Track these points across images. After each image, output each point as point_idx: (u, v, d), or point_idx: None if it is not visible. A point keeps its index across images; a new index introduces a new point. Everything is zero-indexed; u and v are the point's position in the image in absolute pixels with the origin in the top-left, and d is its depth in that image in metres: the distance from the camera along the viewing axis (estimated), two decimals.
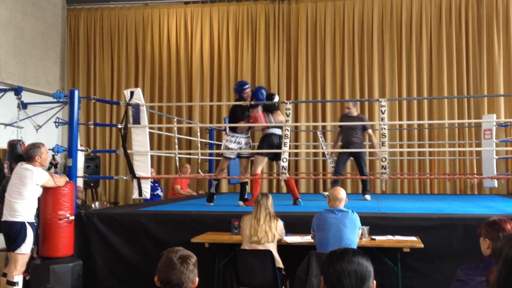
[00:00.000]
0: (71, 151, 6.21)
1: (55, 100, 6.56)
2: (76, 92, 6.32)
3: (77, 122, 6.30)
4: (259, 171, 7.37)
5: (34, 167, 5.45)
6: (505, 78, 10.64)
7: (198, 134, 8.44)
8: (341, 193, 4.99)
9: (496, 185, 8.93)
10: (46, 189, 5.63)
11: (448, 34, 10.94)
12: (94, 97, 7.11)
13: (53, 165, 7.46)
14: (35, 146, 5.60)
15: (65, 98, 6.34)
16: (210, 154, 10.78)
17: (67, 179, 5.93)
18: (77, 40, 12.30)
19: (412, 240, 5.18)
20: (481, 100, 10.65)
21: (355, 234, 4.79)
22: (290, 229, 5.53)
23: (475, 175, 9.99)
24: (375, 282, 2.02)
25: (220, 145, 10.71)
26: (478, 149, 9.31)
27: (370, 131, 8.31)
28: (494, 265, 1.79)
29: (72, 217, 5.89)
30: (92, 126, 8.60)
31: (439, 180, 10.64)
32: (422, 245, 5.02)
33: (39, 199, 5.62)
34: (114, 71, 12.16)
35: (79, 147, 6.58)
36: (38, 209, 5.69)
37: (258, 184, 7.36)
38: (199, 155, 8.15)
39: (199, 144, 8.26)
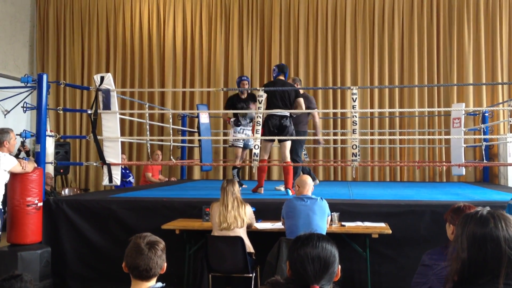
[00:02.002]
0: (39, 137, 6.11)
1: (23, 84, 6.42)
2: (45, 77, 6.22)
3: (46, 107, 6.20)
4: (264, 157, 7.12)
5: (1, 152, 5.37)
6: (474, 67, 10.81)
7: (171, 120, 8.40)
8: (307, 180, 5.03)
9: (463, 172, 9.11)
10: (13, 175, 5.54)
11: (419, 24, 11.05)
12: (63, 81, 7.01)
13: (20, 151, 7.31)
14: (4, 131, 5.52)
15: (33, 83, 6.21)
16: (183, 141, 10.73)
17: (35, 165, 5.85)
18: (46, 24, 12.05)
19: (380, 226, 5.27)
20: (451, 89, 10.82)
21: (324, 221, 4.84)
22: (260, 215, 5.56)
23: (444, 163, 10.17)
24: (340, 266, 2.04)
25: (194, 132, 10.74)
26: (447, 137, 9.46)
27: None
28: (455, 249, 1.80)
29: (41, 204, 5.81)
30: (62, 112, 8.49)
31: (409, 168, 10.80)
32: (390, 231, 5.11)
33: (6, 185, 5.52)
34: (84, 56, 11.97)
35: (48, 132, 6.48)
36: (5, 195, 5.60)
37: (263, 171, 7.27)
38: (171, 141, 8.12)
39: (171, 131, 8.23)
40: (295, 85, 7.38)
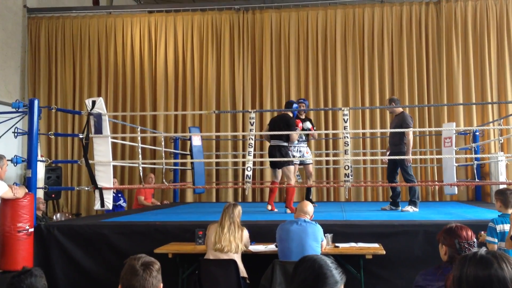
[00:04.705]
0: (30, 162, 6.08)
1: (14, 110, 6.42)
2: (36, 102, 6.21)
3: (37, 132, 6.19)
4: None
5: None
6: (464, 87, 10.91)
7: (163, 143, 8.39)
8: (308, 207, 5.05)
9: (456, 192, 9.13)
10: (4, 201, 5.50)
11: (408, 44, 11.17)
12: (55, 106, 7.00)
13: None
14: None
15: (24, 108, 6.21)
16: (175, 164, 10.72)
17: (26, 190, 5.80)
18: (38, 49, 12.08)
19: (374, 247, 5.25)
20: (441, 109, 10.89)
21: (318, 244, 4.82)
22: (254, 238, 5.52)
23: (436, 182, 10.19)
24: None
25: (186, 154, 10.73)
26: (438, 156, 9.50)
27: None
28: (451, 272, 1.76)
29: (32, 229, 5.76)
30: (53, 136, 8.47)
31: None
32: (384, 252, 5.09)
33: None
34: (76, 80, 11.97)
35: (39, 157, 6.45)
36: None
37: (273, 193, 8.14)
38: (164, 164, 8.12)
39: (163, 154, 8.22)
40: (392, 105, 7.77)
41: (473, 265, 1.64)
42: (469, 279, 1.62)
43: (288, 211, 7.60)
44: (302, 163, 8.46)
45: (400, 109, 7.74)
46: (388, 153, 8.04)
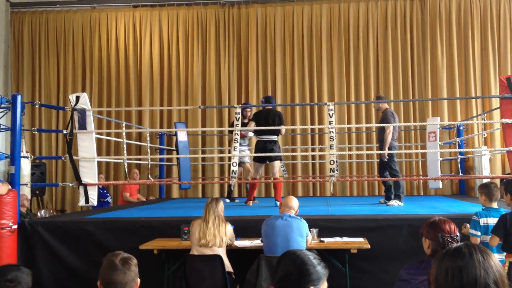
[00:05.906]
0: (13, 158, 6.02)
1: None
2: (19, 97, 6.15)
3: (20, 128, 6.12)
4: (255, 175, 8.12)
5: None
6: (448, 82, 10.99)
7: (148, 139, 8.34)
8: (293, 202, 5.06)
9: (440, 186, 9.20)
10: None
11: (393, 40, 11.22)
12: (38, 102, 6.94)
13: None
14: None
15: (7, 104, 6.14)
16: (161, 160, 10.67)
17: (9, 187, 5.74)
18: (21, 44, 11.94)
19: (359, 241, 5.28)
20: (426, 103, 10.97)
21: (303, 239, 4.84)
22: (239, 233, 5.53)
23: (420, 177, 10.27)
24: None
25: (172, 150, 10.69)
26: (423, 151, 9.56)
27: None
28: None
29: (15, 226, 5.71)
30: (36, 132, 8.40)
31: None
32: (368, 246, 5.12)
33: None
34: (60, 76, 11.86)
35: (23, 153, 6.39)
36: None
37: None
38: (149, 160, 8.09)
39: (148, 150, 8.18)
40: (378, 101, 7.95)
41: (447, 258, 1.67)
42: (443, 272, 1.65)
43: (279, 204, 7.63)
44: (241, 162, 8.59)
45: (386, 106, 7.83)
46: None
